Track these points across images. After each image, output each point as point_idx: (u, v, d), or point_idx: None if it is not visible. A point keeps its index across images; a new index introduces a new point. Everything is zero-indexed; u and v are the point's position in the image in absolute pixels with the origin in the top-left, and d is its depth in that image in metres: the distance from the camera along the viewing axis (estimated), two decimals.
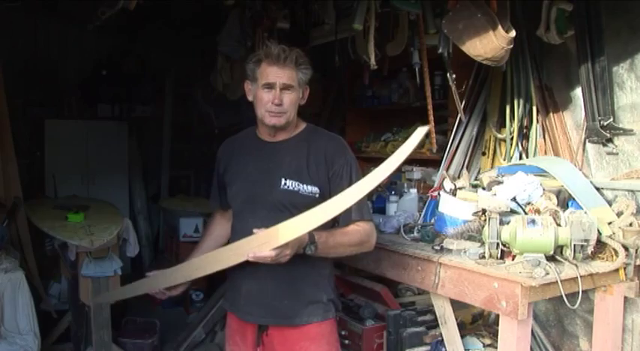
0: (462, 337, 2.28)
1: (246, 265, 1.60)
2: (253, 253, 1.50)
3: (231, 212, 1.91)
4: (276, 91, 1.68)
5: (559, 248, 1.88)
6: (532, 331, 2.26)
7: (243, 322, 1.81)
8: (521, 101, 2.62)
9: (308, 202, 1.66)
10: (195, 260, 1.85)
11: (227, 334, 1.94)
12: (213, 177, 1.98)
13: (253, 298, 1.76)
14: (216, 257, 1.73)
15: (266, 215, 1.68)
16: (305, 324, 1.75)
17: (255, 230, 1.52)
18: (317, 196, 1.71)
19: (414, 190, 2.84)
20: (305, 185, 1.70)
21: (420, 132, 1.31)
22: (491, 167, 2.75)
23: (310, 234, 1.58)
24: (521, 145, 2.68)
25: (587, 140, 2.44)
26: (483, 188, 2.25)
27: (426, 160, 3.42)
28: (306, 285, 1.75)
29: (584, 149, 2.47)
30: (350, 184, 1.68)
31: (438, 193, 2.33)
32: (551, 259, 1.84)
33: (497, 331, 1.86)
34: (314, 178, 1.72)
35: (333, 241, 1.66)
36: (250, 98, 1.77)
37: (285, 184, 1.71)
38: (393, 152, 1.34)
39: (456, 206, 2.14)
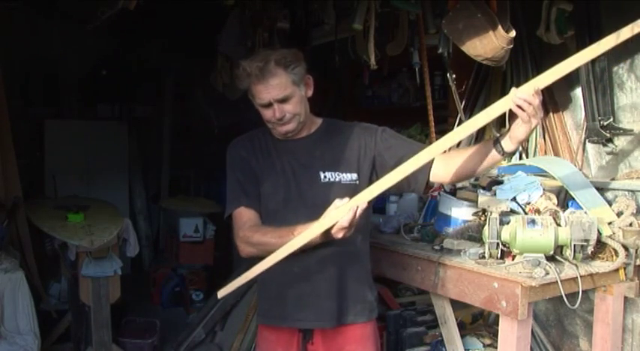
0: (462, 337, 2.27)
1: (294, 268, 1.58)
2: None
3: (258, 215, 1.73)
4: (273, 107, 1.61)
5: (559, 248, 1.88)
6: (532, 331, 2.26)
7: (288, 331, 1.74)
8: None
9: (349, 193, 1.56)
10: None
11: (262, 348, 1.82)
12: (233, 177, 1.75)
13: (304, 301, 1.69)
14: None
15: (309, 212, 1.56)
16: (351, 323, 1.72)
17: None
18: (357, 182, 1.68)
19: None
20: (344, 174, 1.67)
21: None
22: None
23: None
24: (522, 145, 2.68)
25: (587, 140, 2.44)
26: (483, 188, 2.25)
27: None
28: (354, 281, 1.72)
29: (584, 149, 2.47)
30: (402, 138, 1.76)
31: (438, 193, 2.33)
32: (551, 259, 1.84)
33: (497, 331, 1.86)
34: (352, 165, 1.69)
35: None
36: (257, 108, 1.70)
37: (325, 176, 1.67)
38: None
39: (456, 206, 2.14)
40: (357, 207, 1.43)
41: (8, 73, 3.33)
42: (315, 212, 1.51)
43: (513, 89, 1.43)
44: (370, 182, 1.65)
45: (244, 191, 1.71)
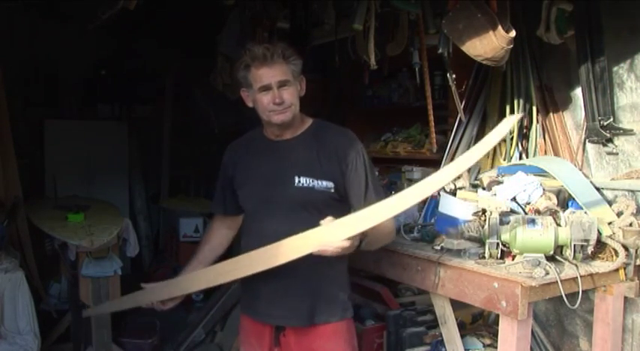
0: (462, 337, 2.27)
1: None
2: (323, 244, 1.47)
3: (233, 219, 1.94)
4: (274, 90, 1.66)
5: (559, 248, 1.88)
6: (532, 331, 2.26)
7: (260, 324, 1.80)
8: (521, 101, 2.62)
9: (324, 198, 1.68)
10: (219, 265, 1.79)
11: (241, 335, 1.92)
12: (217, 181, 1.94)
13: (275, 299, 1.74)
14: (254, 259, 1.65)
15: (284, 215, 1.68)
16: (323, 323, 1.74)
17: (322, 221, 1.49)
18: (332, 190, 1.70)
19: None
20: (319, 181, 1.69)
21: (513, 118, 1.31)
22: (491, 167, 2.75)
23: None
24: (521, 145, 2.68)
25: (587, 140, 2.44)
26: (483, 188, 2.25)
27: (426, 160, 3.42)
28: (327, 282, 1.74)
29: (584, 149, 2.47)
30: (366, 175, 1.72)
31: (438, 193, 2.33)
32: (551, 259, 1.84)
33: (497, 331, 1.86)
34: (327, 173, 1.70)
35: (377, 234, 1.65)
36: (250, 104, 1.76)
37: (299, 181, 1.69)
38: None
39: (456, 206, 2.14)
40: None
41: (8, 73, 3.33)
42: (288, 215, 1.65)
43: (327, 222, 1.47)
44: (340, 193, 1.71)
45: (221, 198, 1.92)
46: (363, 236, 1.55)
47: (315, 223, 1.53)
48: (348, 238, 1.46)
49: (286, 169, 1.72)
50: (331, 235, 1.48)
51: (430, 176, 1.45)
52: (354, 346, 1.83)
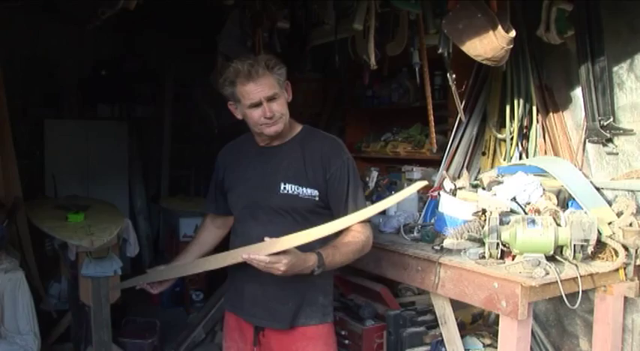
0: (462, 337, 2.27)
1: (248, 267, 1.59)
2: (248, 253, 1.51)
3: (224, 218, 2.00)
4: (263, 105, 1.67)
5: (559, 248, 1.88)
6: (532, 331, 2.26)
7: (242, 321, 1.83)
8: (521, 101, 2.62)
9: (308, 205, 1.71)
10: (199, 260, 1.95)
11: (224, 330, 1.96)
12: (211, 181, 2.01)
13: (257, 300, 1.77)
14: (217, 258, 1.77)
15: (267, 219, 1.72)
16: (302, 325, 1.76)
17: (266, 238, 1.53)
18: (316, 198, 1.72)
19: None
20: (304, 188, 1.71)
21: (419, 184, 1.49)
22: (491, 167, 2.74)
23: (319, 256, 1.58)
24: (521, 145, 2.68)
25: (587, 140, 2.44)
26: (483, 188, 2.25)
27: (426, 160, 3.42)
28: (306, 286, 1.75)
29: (584, 149, 2.47)
30: (348, 185, 1.73)
31: (438, 193, 2.33)
32: (551, 259, 1.84)
33: (497, 331, 1.86)
34: (312, 181, 1.72)
35: (339, 256, 1.66)
36: (239, 117, 1.77)
37: (284, 188, 1.71)
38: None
39: (456, 206, 2.14)
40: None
41: (8, 73, 3.33)
42: (272, 220, 1.70)
43: (267, 239, 1.53)
44: (324, 201, 1.75)
45: (212, 198, 2.01)
46: (321, 262, 1.59)
47: (299, 229, 1.56)
48: (270, 255, 1.49)
49: (272, 175, 1.74)
50: (259, 249, 1.53)
51: (350, 216, 1.63)
52: (335, 349, 1.85)
